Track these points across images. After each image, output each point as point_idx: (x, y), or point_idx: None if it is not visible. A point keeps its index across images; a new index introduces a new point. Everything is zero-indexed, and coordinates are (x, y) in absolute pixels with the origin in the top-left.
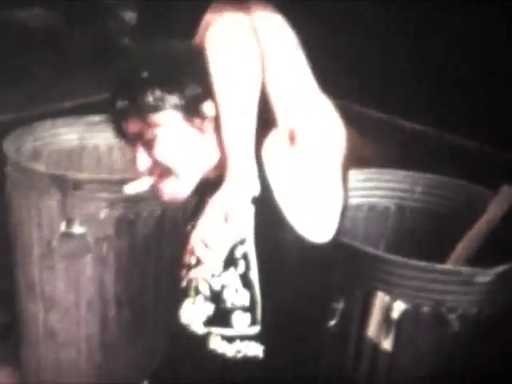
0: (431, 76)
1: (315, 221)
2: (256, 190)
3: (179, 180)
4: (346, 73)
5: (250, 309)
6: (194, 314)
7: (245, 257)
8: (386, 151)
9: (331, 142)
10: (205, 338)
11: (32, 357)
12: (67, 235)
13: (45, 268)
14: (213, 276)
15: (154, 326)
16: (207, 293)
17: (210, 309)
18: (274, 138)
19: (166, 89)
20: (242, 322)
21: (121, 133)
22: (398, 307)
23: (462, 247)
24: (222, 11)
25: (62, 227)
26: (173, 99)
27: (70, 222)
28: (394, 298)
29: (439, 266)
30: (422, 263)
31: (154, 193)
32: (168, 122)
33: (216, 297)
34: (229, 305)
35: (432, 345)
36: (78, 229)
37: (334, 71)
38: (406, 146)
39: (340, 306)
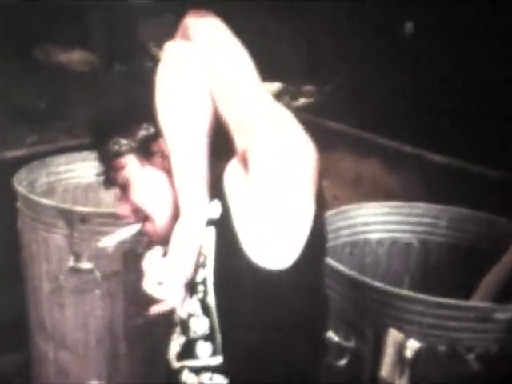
0: (458, 110)
1: (270, 247)
2: (216, 212)
3: (154, 220)
4: (373, 106)
5: (210, 337)
6: (172, 348)
7: (204, 281)
8: (411, 184)
9: (291, 165)
10: (179, 373)
11: None
12: (75, 270)
13: (54, 304)
14: (180, 305)
15: (166, 363)
16: (179, 324)
17: (181, 341)
18: (232, 164)
19: (120, 134)
20: (204, 352)
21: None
22: (412, 346)
23: (487, 283)
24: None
25: (70, 262)
26: (127, 143)
27: (77, 257)
28: (408, 335)
29: (453, 302)
30: (435, 298)
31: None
32: (130, 166)
33: (184, 327)
34: (192, 334)
35: None
36: (85, 264)
37: (361, 104)
38: (430, 179)
39: (351, 344)
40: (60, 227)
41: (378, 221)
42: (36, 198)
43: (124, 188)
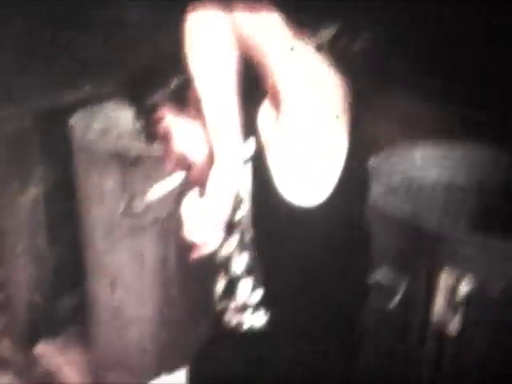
0: None
1: (302, 185)
2: (250, 150)
3: (197, 167)
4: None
5: (250, 276)
6: (217, 289)
7: (241, 221)
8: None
9: (321, 103)
10: (223, 312)
11: (100, 335)
12: (128, 212)
13: (108, 245)
14: (220, 246)
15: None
16: (221, 266)
17: (224, 281)
18: (265, 105)
19: (154, 87)
20: (245, 291)
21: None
22: (464, 289)
23: None
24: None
25: (124, 204)
26: (162, 94)
27: (131, 199)
28: (460, 277)
29: (507, 244)
30: (488, 239)
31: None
32: (168, 116)
33: (225, 267)
34: (233, 273)
35: (503, 329)
36: (139, 205)
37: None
38: None
39: (402, 287)
40: (113, 170)
41: (433, 163)
42: (90, 142)
43: (165, 140)
